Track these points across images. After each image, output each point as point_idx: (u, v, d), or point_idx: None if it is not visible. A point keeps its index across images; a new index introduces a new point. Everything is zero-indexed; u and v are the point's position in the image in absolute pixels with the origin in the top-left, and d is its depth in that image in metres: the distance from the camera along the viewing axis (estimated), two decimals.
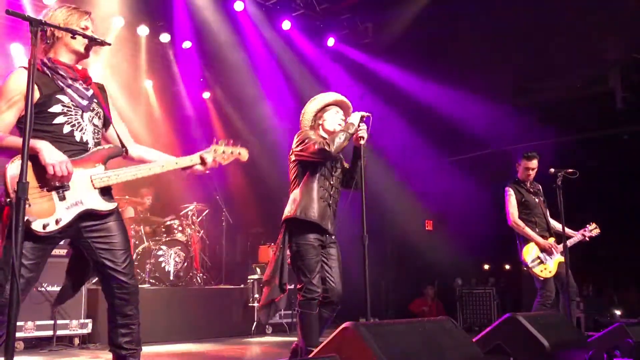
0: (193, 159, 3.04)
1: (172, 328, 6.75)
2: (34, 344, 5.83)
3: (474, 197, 8.60)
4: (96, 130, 2.85)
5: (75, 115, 2.76)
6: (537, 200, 5.65)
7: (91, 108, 2.83)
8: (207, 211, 8.69)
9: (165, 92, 10.00)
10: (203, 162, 3.06)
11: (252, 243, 9.81)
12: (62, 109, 2.72)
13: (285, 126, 8.50)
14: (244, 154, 3.21)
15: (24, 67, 2.66)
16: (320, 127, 4.13)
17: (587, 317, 8.20)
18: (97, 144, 2.84)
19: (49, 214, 2.59)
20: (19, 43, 7.84)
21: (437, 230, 10.09)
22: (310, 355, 2.76)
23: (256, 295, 7.62)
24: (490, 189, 5.97)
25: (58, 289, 5.76)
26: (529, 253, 5.46)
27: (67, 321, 5.88)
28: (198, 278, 7.92)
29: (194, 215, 8.34)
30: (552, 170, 5.36)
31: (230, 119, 9.93)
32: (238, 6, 8.29)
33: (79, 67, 2.85)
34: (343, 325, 2.59)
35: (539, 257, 5.44)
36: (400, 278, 10.18)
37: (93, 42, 2.79)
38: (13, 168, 2.50)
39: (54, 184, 2.62)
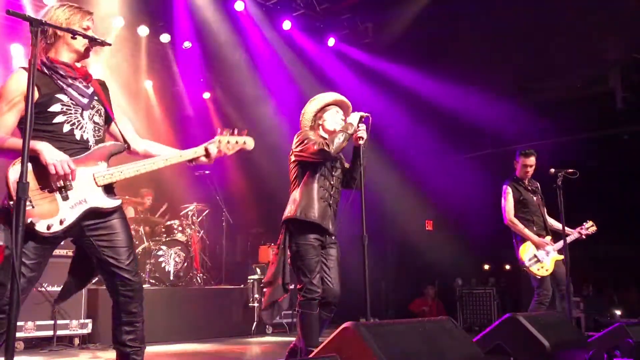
0: (197, 151, 3.02)
1: (172, 328, 6.75)
2: (34, 344, 5.83)
3: (474, 197, 8.60)
4: (97, 128, 2.84)
5: (75, 113, 2.75)
6: (535, 198, 5.65)
7: (91, 106, 2.82)
8: (207, 211, 8.70)
9: (165, 92, 10.00)
10: (207, 153, 3.02)
11: (252, 243, 9.81)
12: (62, 108, 2.72)
13: (285, 126, 8.50)
14: (249, 142, 3.14)
15: (24, 68, 2.66)
16: (320, 127, 4.13)
17: (587, 317, 8.20)
18: (98, 141, 2.82)
19: (52, 214, 2.59)
20: (19, 44, 7.83)
21: (437, 230, 10.09)
22: (311, 355, 2.76)
23: (256, 295, 7.62)
24: (491, 188, 5.97)
25: (58, 289, 5.79)
26: (526, 252, 5.47)
27: (67, 321, 5.88)
28: (198, 278, 7.93)
29: (194, 215, 8.35)
30: (553, 170, 5.36)
31: (230, 119, 9.93)
32: (238, 6, 8.29)
33: (79, 65, 2.84)
34: (343, 325, 2.59)
35: (535, 256, 5.44)
36: (400, 278, 10.19)
37: (93, 43, 2.78)
38: (14, 171, 2.50)
39: (56, 184, 2.62)
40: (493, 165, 8.59)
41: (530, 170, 5.65)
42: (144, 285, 7.05)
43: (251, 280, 7.81)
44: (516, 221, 5.54)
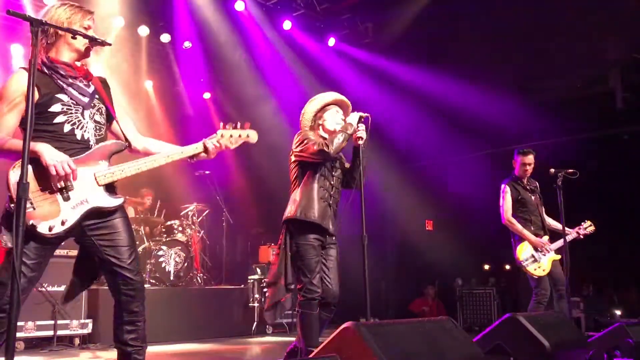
0: (198, 147, 3.00)
1: (172, 328, 6.75)
2: (34, 344, 5.84)
3: (475, 197, 8.60)
4: (98, 127, 2.84)
5: (76, 113, 2.75)
6: (533, 197, 5.66)
7: (92, 105, 2.82)
8: (207, 211, 8.70)
9: (165, 92, 10.00)
10: (206, 149, 3.01)
11: (253, 243, 9.81)
12: (62, 108, 2.71)
13: (285, 126, 8.50)
14: (252, 136, 3.12)
15: (24, 68, 2.66)
16: (320, 127, 4.14)
17: (587, 317, 8.20)
18: (100, 140, 2.82)
19: (54, 215, 2.59)
20: (19, 44, 7.83)
21: (437, 230, 10.09)
22: (311, 356, 2.76)
23: (256, 296, 7.63)
24: (491, 188, 5.97)
25: (58, 289, 5.81)
26: (523, 251, 5.48)
27: (67, 321, 5.89)
28: (198, 278, 7.93)
29: (195, 216, 8.35)
30: (553, 170, 5.36)
31: (230, 119, 9.89)
32: (239, 6, 8.29)
33: (79, 64, 2.84)
34: (343, 326, 2.59)
35: (533, 256, 5.45)
36: (400, 278, 10.19)
37: (94, 42, 2.78)
38: (15, 174, 2.50)
39: (57, 184, 2.62)
40: (493, 165, 8.58)
41: (529, 168, 5.66)
42: (144, 285, 7.02)
43: (251, 281, 7.81)
44: (514, 221, 5.55)
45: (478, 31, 7.98)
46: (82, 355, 5.62)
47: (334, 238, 4.06)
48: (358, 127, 3.93)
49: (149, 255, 7.38)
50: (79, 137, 2.74)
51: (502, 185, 5.70)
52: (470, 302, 8.92)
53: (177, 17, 8.47)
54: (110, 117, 2.94)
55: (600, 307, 8.67)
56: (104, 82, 3.00)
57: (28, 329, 5.61)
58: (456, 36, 8.23)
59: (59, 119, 2.70)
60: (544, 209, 5.76)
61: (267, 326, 7.72)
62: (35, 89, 2.58)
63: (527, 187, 5.67)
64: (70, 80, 2.77)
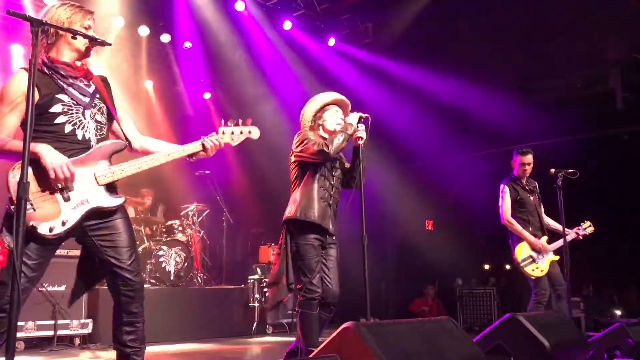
0: (197, 145, 2.99)
1: (172, 328, 6.75)
2: (34, 344, 5.84)
3: (475, 197, 8.60)
4: (99, 127, 2.83)
5: (77, 113, 2.75)
6: (532, 198, 5.66)
7: (93, 104, 2.82)
8: (207, 211, 8.70)
9: (166, 92, 10.00)
10: (204, 147, 2.99)
11: (253, 243, 9.81)
12: (63, 109, 2.71)
13: (286, 126, 8.50)
14: (254, 132, 3.11)
15: (25, 69, 2.66)
16: (320, 127, 4.14)
17: (587, 317, 8.20)
18: (101, 140, 2.81)
19: (54, 216, 2.59)
20: (19, 44, 7.83)
21: (437, 230, 10.09)
22: (311, 356, 2.76)
23: (256, 295, 7.63)
24: (491, 188, 5.97)
25: (59, 289, 5.81)
26: (521, 252, 5.48)
27: (67, 321, 5.89)
28: (198, 278, 7.93)
29: (195, 216, 8.36)
30: (553, 170, 5.37)
31: (231, 119, 9.92)
32: (239, 6, 8.29)
33: (79, 64, 2.83)
34: (343, 325, 2.59)
35: (531, 256, 5.46)
36: (400, 278, 10.19)
37: (94, 43, 2.78)
38: (14, 175, 2.50)
39: (57, 186, 2.62)
40: (493, 165, 8.58)
41: (529, 168, 5.66)
42: (144, 285, 7.04)
43: (251, 280, 7.81)
44: (513, 221, 5.56)
45: (478, 31, 7.98)
46: (82, 355, 5.62)
47: (334, 238, 4.06)
48: (358, 127, 3.94)
49: (149, 255, 7.39)
50: (80, 137, 2.74)
51: (501, 186, 5.70)
52: (471, 302, 8.92)
53: (177, 17, 8.47)
54: (111, 117, 2.94)
55: (600, 307, 8.67)
56: (104, 80, 2.99)
57: (28, 328, 5.61)
58: (456, 36, 8.22)
59: (59, 120, 2.70)
60: (543, 209, 5.76)
61: (267, 326, 7.72)
62: (36, 89, 2.58)
63: (526, 188, 5.67)
64: (70, 80, 2.77)
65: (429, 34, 8.49)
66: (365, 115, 3.96)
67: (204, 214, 8.64)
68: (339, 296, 4.00)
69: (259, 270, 8.04)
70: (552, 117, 8.33)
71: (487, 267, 9.93)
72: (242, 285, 7.99)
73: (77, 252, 6.06)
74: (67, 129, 2.71)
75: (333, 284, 3.97)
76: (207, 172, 8.73)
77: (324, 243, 3.98)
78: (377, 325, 2.80)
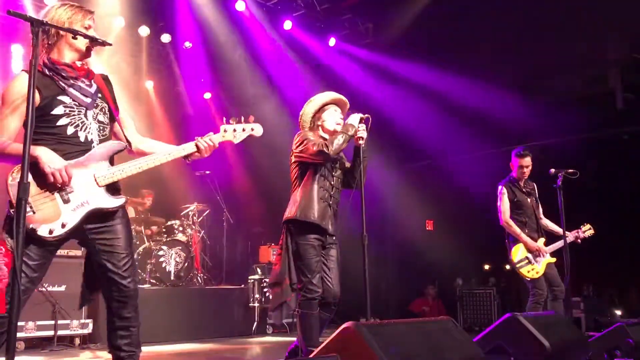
0: (191, 146, 2.96)
1: (172, 328, 6.76)
2: (34, 344, 5.84)
3: (475, 197, 8.60)
4: (102, 127, 2.82)
5: (79, 114, 2.74)
6: (529, 200, 5.68)
7: (95, 105, 2.81)
8: (207, 211, 8.71)
9: (166, 92, 10.00)
10: (198, 148, 2.96)
11: (253, 243, 9.82)
12: (65, 110, 2.70)
13: (286, 126, 8.50)
14: (257, 129, 3.07)
15: (26, 71, 2.64)
16: (319, 127, 4.14)
17: (588, 317, 8.20)
18: (103, 140, 2.81)
19: (54, 218, 2.59)
20: (19, 44, 7.83)
21: (437, 230, 10.09)
22: (311, 355, 2.76)
23: (257, 296, 7.62)
24: (491, 188, 5.98)
25: (59, 289, 5.81)
26: (517, 253, 5.50)
27: (67, 321, 5.89)
28: (199, 278, 7.93)
29: (195, 216, 8.36)
30: (553, 170, 5.37)
31: (227, 118, 9.91)
32: (239, 6, 8.29)
33: (79, 64, 2.82)
34: (344, 325, 2.59)
35: (527, 258, 5.48)
36: (400, 278, 10.19)
37: (94, 43, 2.78)
38: (14, 179, 2.50)
39: (56, 188, 2.62)
40: (493, 165, 8.58)
41: (527, 170, 5.68)
42: (144, 285, 7.06)
43: (252, 280, 7.81)
44: (511, 222, 5.59)
45: (478, 31, 7.97)
46: (82, 355, 5.63)
47: (334, 238, 4.06)
48: (359, 127, 3.94)
49: (150, 255, 7.39)
50: (82, 138, 2.73)
51: (499, 187, 5.73)
52: (471, 302, 8.92)
53: (178, 17, 8.47)
54: (113, 117, 2.93)
55: (600, 307, 8.66)
56: (106, 79, 2.98)
57: (28, 329, 5.61)
58: (456, 36, 8.22)
59: (62, 122, 2.69)
60: (541, 211, 5.78)
61: (268, 326, 7.72)
62: (37, 91, 2.58)
63: (524, 190, 5.70)
64: (71, 81, 2.76)
65: (429, 34, 8.49)
66: (366, 115, 3.97)
67: (204, 214, 8.65)
68: (339, 296, 4.00)
69: (259, 270, 8.04)
70: (552, 117, 8.32)
71: (487, 267, 9.93)
72: (242, 285, 7.99)
73: (78, 252, 6.10)
74: (70, 130, 2.71)
75: (334, 284, 3.97)
76: (208, 172, 8.73)
77: (324, 243, 3.98)
78: (378, 325, 2.80)
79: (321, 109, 4.16)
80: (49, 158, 2.57)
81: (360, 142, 3.97)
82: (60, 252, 5.66)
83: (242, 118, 3.07)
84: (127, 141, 2.94)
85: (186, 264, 7.52)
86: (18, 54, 7.87)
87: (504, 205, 5.63)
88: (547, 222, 5.79)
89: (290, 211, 3.97)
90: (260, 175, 9.82)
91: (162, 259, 7.34)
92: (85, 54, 2.83)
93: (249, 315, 7.60)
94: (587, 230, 5.72)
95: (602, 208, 7.86)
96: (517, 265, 5.46)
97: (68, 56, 2.79)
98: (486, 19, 7.75)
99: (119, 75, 8.30)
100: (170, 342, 6.50)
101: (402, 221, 10.06)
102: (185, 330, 6.88)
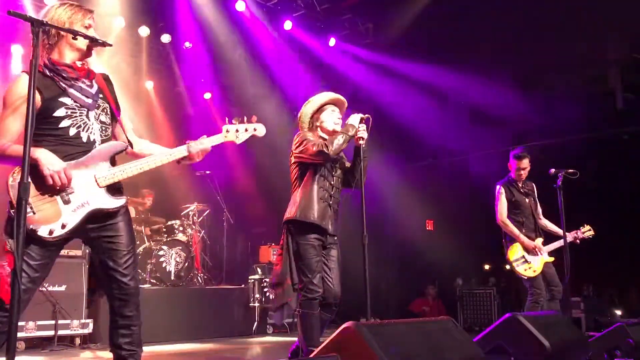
0: (182, 150, 2.94)
1: (173, 328, 6.76)
2: (35, 344, 5.84)
3: (475, 196, 8.60)
4: (104, 128, 2.82)
5: (81, 115, 2.73)
6: (527, 200, 5.69)
7: (97, 105, 2.81)
8: (208, 211, 8.71)
9: (166, 92, 10.00)
10: (189, 152, 2.92)
11: (253, 243, 9.82)
12: (66, 112, 2.70)
13: (287, 126, 8.51)
14: (260, 129, 3.04)
15: (26, 72, 2.63)
16: (318, 128, 4.14)
17: (588, 317, 8.20)
18: (106, 141, 2.80)
19: (54, 219, 2.59)
20: (19, 44, 7.83)
21: (437, 230, 10.10)
22: (311, 355, 2.76)
23: (257, 295, 7.62)
24: (491, 188, 5.98)
25: (59, 288, 5.81)
26: (514, 252, 5.53)
27: (68, 321, 5.89)
28: (199, 278, 7.93)
29: (195, 215, 8.36)
30: (553, 170, 5.37)
31: (229, 118, 9.91)
32: (239, 6, 8.29)
33: (79, 64, 2.81)
34: (344, 325, 2.59)
35: (523, 257, 5.50)
36: (400, 278, 10.19)
37: (95, 43, 2.77)
38: (14, 180, 2.50)
39: (56, 190, 2.61)
40: (493, 165, 8.59)
41: (524, 173, 5.70)
42: (145, 285, 7.05)
43: (252, 280, 7.81)
44: (508, 222, 5.61)
45: (478, 31, 7.97)
46: (82, 355, 5.63)
47: (335, 238, 4.06)
48: (359, 128, 3.94)
49: (150, 255, 7.39)
50: (84, 139, 2.73)
51: (497, 187, 5.75)
52: (471, 302, 8.92)
53: (178, 18, 8.46)
54: (114, 117, 2.92)
55: (600, 307, 8.67)
56: (107, 79, 2.98)
57: (29, 328, 5.61)
58: (456, 36, 8.23)
59: (64, 123, 2.68)
60: (540, 212, 5.80)
61: (268, 326, 7.72)
62: (38, 93, 2.57)
63: (522, 190, 5.71)
64: (72, 82, 2.75)
65: (429, 34, 8.49)
66: (366, 115, 3.97)
67: (204, 214, 8.65)
68: (340, 297, 4.00)
69: (259, 270, 8.04)
70: (552, 116, 8.33)
71: (487, 267, 9.93)
72: (243, 285, 7.99)
73: (78, 252, 6.10)
74: (72, 132, 2.70)
75: (334, 284, 3.98)
76: (208, 172, 8.74)
77: (325, 243, 3.98)
78: (378, 325, 2.80)
79: (319, 110, 4.16)
80: (48, 160, 2.57)
81: (361, 142, 3.97)
82: (62, 252, 5.68)
83: (245, 118, 3.05)
84: (129, 141, 2.94)
85: (186, 264, 7.52)
86: (18, 54, 7.87)
87: (501, 205, 5.66)
88: (546, 223, 5.80)
89: (290, 212, 3.97)
90: (261, 175, 9.82)
91: (162, 259, 7.34)
92: (87, 53, 2.83)
93: (249, 315, 7.60)
94: (586, 232, 5.72)
95: (602, 208, 7.87)
96: (514, 264, 5.49)
97: (69, 56, 2.78)
98: (486, 19, 7.75)
99: (119, 75, 8.30)
100: (170, 342, 6.51)
101: (402, 221, 10.06)
102: (186, 330, 6.88)
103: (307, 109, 4.17)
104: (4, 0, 7.21)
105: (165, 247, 7.42)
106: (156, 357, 5.51)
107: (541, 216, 5.82)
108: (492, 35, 7.89)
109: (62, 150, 2.65)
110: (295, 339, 4.06)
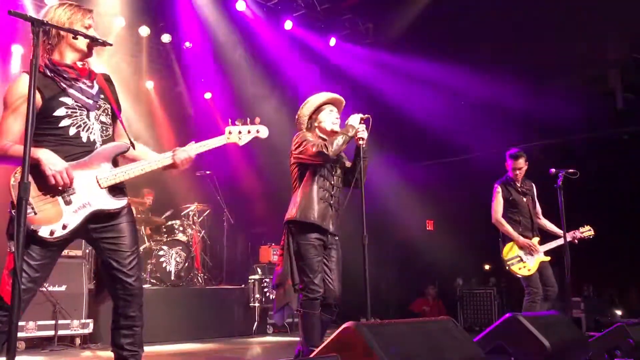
0: (167, 158, 2.93)
1: (173, 328, 6.76)
2: (35, 344, 5.84)
3: (475, 196, 8.60)
4: (104, 128, 2.82)
5: (81, 115, 2.73)
6: (524, 199, 5.70)
7: (97, 106, 2.80)
8: (208, 211, 8.71)
9: (166, 92, 10.00)
10: (173, 161, 2.88)
11: (253, 243, 9.81)
12: (67, 112, 2.69)
13: (287, 126, 8.51)
14: (262, 130, 3.05)
15: (27, 72, 2.62)
16: (316, 128, 4.14)
17: (588, 317, 8.20)
18: (106, 141, 2.80)
19: (55, 219, 2.58)
20: (19, 44, 7.83)
21: (437, 230, 10.10)
22: (311, 355, 2.76)
23: (257, 295, 7.62)
24: (491, 188, 5.99)
25: (59, 288, 5.81)
26: (509, 251, 5.54)
27: (68, 321, 5.89)
28: (199, 278, 7.94)
29: (195, 215, 8.36)
30: (553, 170, 5.37)
31: (232, 119, 9.91)
32: (240, 6, 8.29)
33: (80, 64, 2.81)
34: (344, 325, 2.59)
35: (518, 256, 5.51)
36: (401, 278, 10.18)
37: (95, 43, 2.77)
38: (16, 180, 2.50)
39: (57, 190, 2.61)
40: (493, 165, 8.58)
41: (520, 172, 5.71)
42: (145, 285, 7.02)
43: (252, 280, 7.81)
44: (503, 221, 5.63)
45: (478, 32, 7.97)
46: (83, 355, 5.63)
47: (336, 238, 4.06)
48: (359, 128, 3.94)
49: (150, 255, 7.40)
50: (84, 139, 2.72)
51: (495, 185, 5.76)
52: (471, 302, 8.92)
53: (178, 17, 8.47)
54: (115, 117, 2.92)
55: (600, 307, 8.66)
56: (107, 79, 2.97)
57: (29, 328, 5.61)
58: (457, 36, 8.23)
59: (64, 123, 2.68)
60: (539, 211, 5.80)
61: (268, 326, 7.73)
62: (38, 93, 2.57)
63: (519, 189, 5.72)
64: (73, 82, 2.75)
65: (429, 34, 8.49)
66: (366, 115, 3.97)
67: (204, 214, 8.65)
68: (340, 297, 4.00)
69: (259, 270, 8.04)
70: (552, 117, 8.32)
71: (487, 267, 9.92)
72: (243, 285, 7.99)
73: (78, 252, 6.09)
74: (72, 131, 2.70)
75: (335, 285, 3.98)
76: (208, 172, 8.74)
77: (326, 243, 3.98)
78: (378, 325, 2.80)
79: (317, 110, 4.16)
80: (50, 160, 2.57)
81: (361, 142, 3.97)
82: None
83: (248, 119, 3.04)
84: (130, 142, 2.92)
85: (186, 264, 7.52)
86: (18, 54, 7.87)
87: (497, 203, 5.67)
88: (545, 222, 5.80)
89: (290, 212, 3.98)
90: (261, 175, 9.82)
91: (162, 259, 7.35)
92: (87, 53, 2.82)
93: (250, 315, 7.60)
94: (586, 232, 5.71)
95: (602, 208, 7.86)
96: (508, 263, 5.51)
97: (69, 57, 2.78)
98: (486, 19, 7.75)
99: (119, 75, 8.30)
100: (170, 342, 6.51)
101: (402, 221, 10.06)
102: (186, 330, 6.88)
103: (305, 110, 4.17)
104: (4, 0, 7.21)
105: (165, 247, 7.42)
106: (156, 357, 5.51)
107: (540, 216, 5.82)
108: (492, 35, 7.89)
109: (63, 150, 2.65)
110: (296, 338, 4.06)
